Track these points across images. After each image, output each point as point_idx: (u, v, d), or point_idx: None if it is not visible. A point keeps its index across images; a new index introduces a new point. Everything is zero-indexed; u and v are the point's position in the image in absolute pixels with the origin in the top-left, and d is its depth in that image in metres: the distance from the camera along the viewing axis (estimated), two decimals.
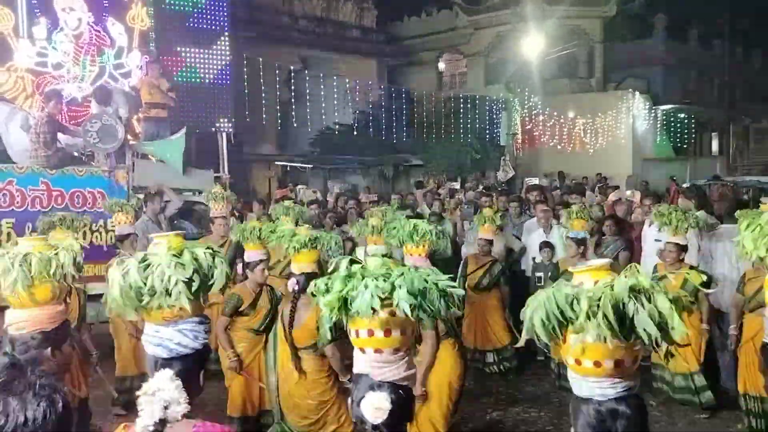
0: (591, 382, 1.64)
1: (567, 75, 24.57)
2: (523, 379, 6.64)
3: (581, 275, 1.72)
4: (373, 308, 1.77)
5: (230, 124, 11.41)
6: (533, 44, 20.79)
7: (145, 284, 1.92)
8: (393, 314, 1.78)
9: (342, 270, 1.87)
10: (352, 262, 1.90)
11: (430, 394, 4.03)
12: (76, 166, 8.34)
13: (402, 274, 1.82)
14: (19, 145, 8.40)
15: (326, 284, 1.86)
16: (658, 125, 24.62)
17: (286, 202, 7.20)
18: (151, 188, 8.35)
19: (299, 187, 13.27)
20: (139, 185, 8.72)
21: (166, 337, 1.97)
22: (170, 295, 1.92)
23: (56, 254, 2.50)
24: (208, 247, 2.08)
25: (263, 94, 15.08)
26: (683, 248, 5.55)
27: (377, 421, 1.75)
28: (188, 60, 11.09)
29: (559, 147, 22.49)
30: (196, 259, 1.99)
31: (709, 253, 6.38)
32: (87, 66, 9.88)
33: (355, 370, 1.88)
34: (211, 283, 2.04)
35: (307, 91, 17.22)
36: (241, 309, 4.73)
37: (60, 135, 8.42)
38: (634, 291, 1.59)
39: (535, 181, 16.44)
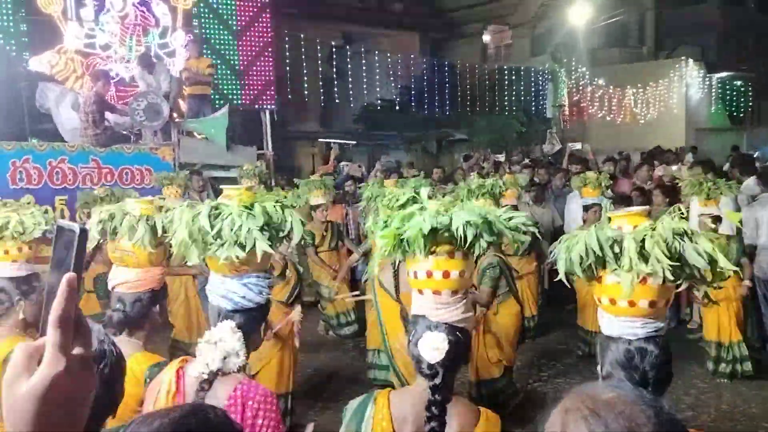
0: (623, 321, 1.70)
1: (616, 44, 23.79)
2: (561, 351, 6.65)
3: (619, 220, 1.76)
4: (430, 245, 1.75)
5: (273, 102, 11.50)
6: (580, 13, 20.19)
7: (212, 230, 1.93)
8: (451, 255, 1.78)
9: (406, 209, 1.86)
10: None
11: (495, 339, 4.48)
12: (125, 144, 8.60)
13: (462, 207, 1.82)
14: (69, 124, 8.69)
15: (386, 221, 1.87)
16: (713, 94, 23.67)
17: (314, 176, 7.24)
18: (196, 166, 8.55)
19: (343, 163, 13.30)
20: (185, 162, 8.93)
21: (231, 289, 1.99)
22: (240, 246, 1.91)
23: (170, 218, 2.58)
24: (277, 201, 2.08)
25: (305, 71, 15.12)
26: (717, 218, 5.48)
27: (434, 360, 1.78)
28: (230, 38, 11.19)
29: (608, 118, 21.89)
30: (266, 212, 1.98)
31: (755, 222, 6.24)
32: (134, 46, 10.11)
33: (414, 311, 1.89)
34: (282, 236, 2.03)
35: (349, 67, 17.17)
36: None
37: (108, 114, 8.67)
38: (677, 233, 1.64)
39: (577, 147, 16.08)
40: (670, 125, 21.25)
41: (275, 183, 9.64)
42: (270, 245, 1.96)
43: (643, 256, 1.60)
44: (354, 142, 19.25)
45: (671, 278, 1.61)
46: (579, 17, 20.25)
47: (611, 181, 7.06)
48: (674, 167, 11.02)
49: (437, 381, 1.76)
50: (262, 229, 1.93)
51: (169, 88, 9.41)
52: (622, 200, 7.08)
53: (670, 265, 1.59)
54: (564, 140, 20.08)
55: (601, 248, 1.64)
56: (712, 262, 1.62)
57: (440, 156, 20.45)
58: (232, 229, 1.91)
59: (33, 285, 2.73)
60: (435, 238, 1.75)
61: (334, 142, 16.09)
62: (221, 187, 2.20)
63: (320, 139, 18.62)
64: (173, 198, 6.37)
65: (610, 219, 1.80)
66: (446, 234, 1.75)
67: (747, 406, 5.24)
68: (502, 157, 17.20)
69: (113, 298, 2.52)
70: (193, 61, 9.75)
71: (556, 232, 7.61)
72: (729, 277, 1.66)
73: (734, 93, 24.11)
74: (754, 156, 13.06)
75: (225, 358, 1.88)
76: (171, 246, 2.55)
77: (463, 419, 1.78)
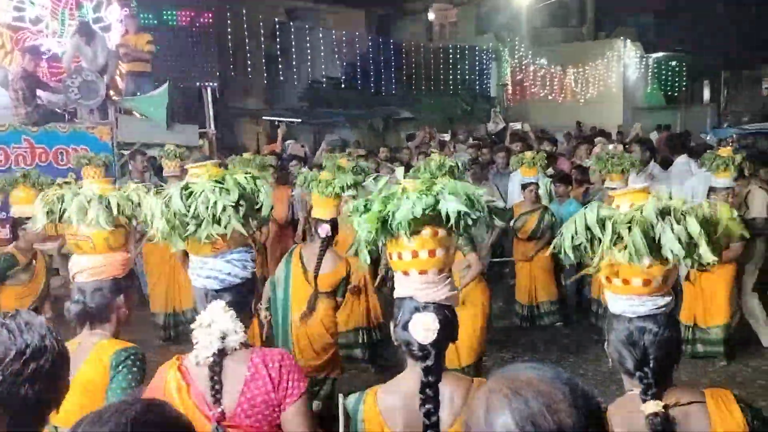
0: (623, 299, 1.74)
1: (558, 24, 24.22)
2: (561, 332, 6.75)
3: (620, 198, 1.79)
4: (415, 226, 1.74)
5: (215, 79, 11.25)
6: None
7: (188, 212, 1.86)
8: (436, 233, 1.77)
9: (381, 190, 1.84)
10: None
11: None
12: (59, 123, 8.27)
13: (444, 185, 1.80)
14: None
15: (365, 204, 1.83)
16: (650, 74, 24.43)
17: (246, 155, 7.07)
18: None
19: (288, 142, 13.15)
20: (124, 141, 8.66)
21: (215, 268, 1.94)
22: (218, 222, 1.86)
23: (130, 198, 2.41)
24: (247, 172, 2.01)
25: (248, 48, 14.82)
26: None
27: (427, 341, 1.76)
28: (169, 13, 10.85)
29: (549, 97, 22.34)
30: (239, 183, 1.92)
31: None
32: (66, 20, 9.68)
33: (398, 294, 1.87)
34: (258, 207, 1.98)
35: (294, 43, 16.92)
36: None
37: (41, 92, 8.31)
38: (663, 213, 1.66)
39: (518, 127, 16.40)
40: (608, 104, 21.85)
41: (219, 162, 9.46)
42: (246, 219, 1.93)
43: (622, 239, 1.64)
44: (299, 120, 19.04)
45: (650, 261, 1.64)
46: None
47: (546, 161, 7.24)
48: (611, 146, 11.37)
49: (429, 362, 1.75)
50: (237, 203, 1.89)
51: (105, 62, 9.05)
52: (561, 179, 7.31)
53: (648, 248, 1.62)
54: (507, 119, 20.39)
55: (588, 228, 1.68)
56: (691, 247, 1.63)
57: (386, 134, 20.46)
58: (207, 207, 1.85)
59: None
60: (420, 218, 1.75)
61: (279, 120, 15.87)
62: (187, 166, 2.13)
63: (264, 117, 18.34)
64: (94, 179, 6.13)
65: (612, 198, 1.82)
66: (431, 213, 1.75)
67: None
68: (447, 136, 17.33)
69: (73, 288, 2.37)
70: (131, 36, 9.41)
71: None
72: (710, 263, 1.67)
73: (670, 73, 24.94)
74: (697, 136, 13.69)
75: (223, 337, 1.85)
76: (136, 228, 2.47)
77: (456, 394, 1.79)
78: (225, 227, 1.87)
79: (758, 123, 17.56)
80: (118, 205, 2.35)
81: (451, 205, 1.74)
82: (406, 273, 1.82)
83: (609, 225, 1.66)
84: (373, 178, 2.02)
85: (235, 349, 1.88)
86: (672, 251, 1.63)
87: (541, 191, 7.10)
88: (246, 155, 7.28)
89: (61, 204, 2.37)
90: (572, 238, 1.71)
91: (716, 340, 5.62)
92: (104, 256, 2.35)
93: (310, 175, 4.39)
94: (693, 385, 1.77)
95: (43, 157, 7.90)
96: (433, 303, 1.80)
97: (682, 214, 1.66)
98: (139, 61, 9.42)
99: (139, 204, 2.38)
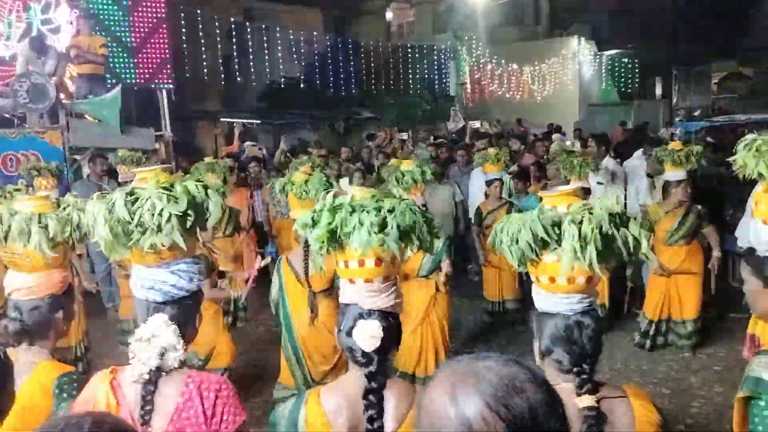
0: (562, 297, 1.75)
1: (513, 22, 24.53)
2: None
3: (552, 200, 1.82)
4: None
5: (170, 80, 11.04)
6: None
7: (132, 219, 1.78)
8: (383, 243, 1.78)
9: (328, 203, 1.83)
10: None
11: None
12: (8, 129, 8.02)
13: (392, 208, 1.81)
14: None
15: (313, 218, 1.83)
16: (604, 71, 24.94)
17: (208, 159, 6.95)
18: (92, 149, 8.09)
19: (246, 143, 13.01)
20: (76, 146, 8.43)
21: (159, 279, 1.85)
22: (162, 231, 1.78)
23: (69, 215, 2.34)
24: (198, 180, 1.94)
25: (203, 48, 14.59)
26: (587, 191, 6.12)
27: (371, 348, 1.76)
28: (121, 14, 10.60)
29: (507, 95, 22.61)
30: (188, 192, 1.84)
31: None
32: (13, 23, 9.38)
33: (342, 300, 1.87)
34: (206, 218, 1.91)
35: (250, 44, 16.73)
36: None
37: None
38: (612, 216, 1.71)
39: (477, 125, 16.57)
40: (565, 102, 22.25)
41: (176, 166, 9.30)
42: (193, 230, 1.87)
43: (582, 239, 1.67)
44: (258, 121, 18.85)
45: (601, 261, 1.69)
46: None
47: (509, 157, 7.33)
48: (568, 142, 11.58)
49: (372, 368, 1.76)
50: (186, 212, 1.81)
51: (54, 68, 8.81)
52: (520, 175, 7.40)
53: (602, 250, 1.67)
54: (467, 117, 20.55)
55: (546, 231, 1.69)
56: (635, 248, 1.71)
57: (348, 135, 20.41)
58: (153, 215, 1.77)
59: None
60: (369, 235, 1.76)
61: (236, 122, 15.69)
62: (134, 170, 2.05)
63: (222, 119, 18.09)
64: (47, 191, 5.95)
65: (542, 199, 1.86)
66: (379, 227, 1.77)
67: (651, 370, 5.60)
68: (405, 136, 17.39)
69: (9, 305, 2.29)
70: (85, 38, 9.17)
71: (456, 206, 7.92)
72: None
73: (623, 70, 25.52)
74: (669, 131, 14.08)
75: (162, 354, 1.77)
76: (73, 244, 2.38)
77: (401, 401, 1.79)
78: (168, 237, 1.80)
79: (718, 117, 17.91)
80: (56, 228, 2.27)
81: (392, 241, 1.76)
82: (352, 281, 1.83)
83: (567, 224, 1.70)
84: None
85: (173, 369, 1.80)
86: (621, 250, 1.70)
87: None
88: (208, 159, 7.14)
89: (0, 225, 2.28)
90: (516, 240, 1.73)
91: (686, 334, 5.80)
92: (42, 274, 2.29)
93: (285, 179, 4.37)
94: (612, 383, 1.80)
95: None
96: (378, 310, 1.81)
97: (624, 217, 1.74)
98: (92, 63, 9.18)
99: (78, 223, 2.32)
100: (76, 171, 8.33)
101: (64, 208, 2.37)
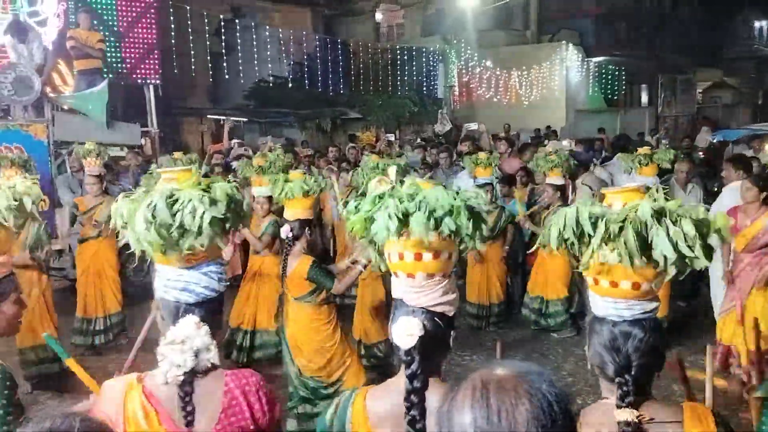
0: (608, 302, 1.66)
1: (502, 27, 24.64)
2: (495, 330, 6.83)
3: (613, 197, 1.71)
4: (401, 227, 1.66)
5: (157, 76, 10.97)
6: None
7: (174, 222, 1.74)
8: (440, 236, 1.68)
9: (372, 190, 1.75)
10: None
11: None
12: None
13: (426, 194, 1.69)
14: None
15: (356, 206, 1.76)
16: (591, 77, 25.13)
17: (176, 154, 6.90)
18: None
19: (234, 141, 12.95)
20: (60, 140, 8.36)
21: (192, 280, 1.83)
22: (203, 233, 1.75)
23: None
24: (229, 181, 1.91)
25: (191, 45, 14.50)
26: (558, 188, 6.39)
27: (405, 346, 1.66)
28: (109, 8, 10.53)
29: (495, 99, 22.70)
30: (226, 194, 1.81)
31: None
32: None
33: (394, 294, 1.79)
34: (242, 218, 1.89)
35: (239, 41, 16.66)
36: None
37: None
38: (659, 214, 1.59)
39: (474, 127, 16.60)
40: (552, 107, 22.37)
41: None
42: (228, 232, 1.86)
43: (611, 237, 1.58)
44: (245, 119, 18.76)
45: (641, 264, 1.59)
46: None
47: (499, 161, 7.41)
48: (565, 142, 11.63)
49: (414, 368, 1.66)
50: (225, 218, 1.80)
51: (42, 59, 8.73)
52: (505, 180, 7.43)
53: (641, 251, 1.56)
54: (455, 120, 20.61)
55: (578, 225, 1.61)
56: (683, 251, 1.57)
57: (334, 134, 20.38)
58: (194, 218, 1.74)
59: None
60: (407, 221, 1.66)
61: (226, 119, 15.62)
62: (158, 171, 2.01)
63: (209, 116, 18.00)
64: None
65: (603, 196, 1.76)
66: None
67: None
68: (392, 137, 17.41)
69: None
70: (82, 31, 9.13)
71: None
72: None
73: (609, 76, 25.72)
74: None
75: (196, 355, 1.74)
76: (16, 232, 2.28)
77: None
78: (208, 239, 1.77)
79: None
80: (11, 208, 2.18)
81: (417, 224, 1.65)
82: (395, 274, 1.75)
83: (601, 223, 1.60)
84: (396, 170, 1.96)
85: (207, 368, 1.78)
86: (665, 255, 1.57)
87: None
88: (177, 154, 7.10)
89: None
90: (560, 231, 1.65)
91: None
92: None
93: (281, 178, 4.38)
94: (671, 401, 1.70)
95: None
96: (422, 308, 1.71)
97: (677, 216, 1.60)
98: (89, 58, 9.15)
99: (19, 202, 2.24)
100: (59, 165, 8.25)
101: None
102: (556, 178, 6.45)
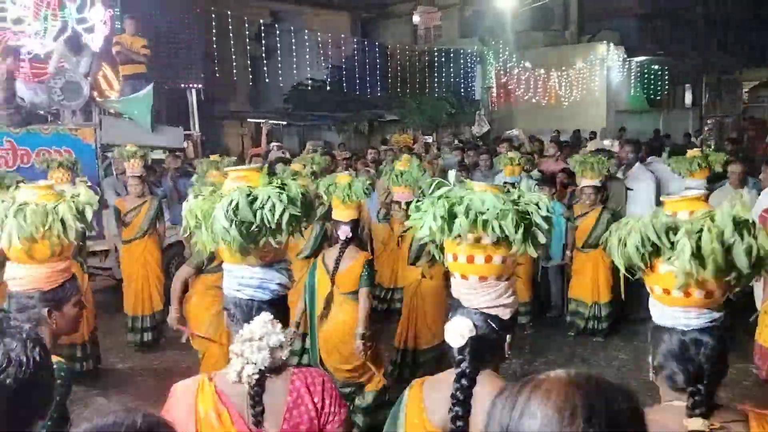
0: (677, 311, 1.62)
1: (541, 27, 24.37)
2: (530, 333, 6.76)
3: (674, 204, 1.67)
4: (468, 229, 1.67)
5: (200, 81, 11.18)
6: None
7: (255, 220, 1.76)
8: (479, 240, 1.69)
9: (438, 192, 1.77)
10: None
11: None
12: (42, 125, 8.18)
13: (473, 196, 1.70)
14: None
15: (420, 206, 1.78)
16: (632, 77, 24.66)
17: (213, 157, 7.01)
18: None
19: (273, 144, 13.12)
20: (108, 143, 8.58)
21: (267, 278, 1.84)
22: (282, 231, 1.78)
23: (55, 207, 2.22)
24: (294, 178, 1.96)
25: (232, 49, 14.75)
26: (598, 189, 6.37)
27: (455, 344, 1.68)
28: (154, 15, 10.78)
29: (533, 101, 22.47)
30: (301, 192, 1.84)
31: None
32: (48, 20, 9.57)
33: (453, 294, 1.81)
34: (313, 214, 1.94)
35: (278, 45, 16.88)
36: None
37: (24, 93, 8.22)
38: (737, 223, 1.54)
39: (515, 133, 16.41)
40: (591, 107, 22.02)
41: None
42: (303, 226, 1.88)
43: (699, 251, 1.53)
44: (284, 123, 18.99)
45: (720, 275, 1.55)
46: (505, 0, 20.57)
47: (532, 163, 7.38)
48: (606, 141, 11.41)
49: (463, 367, 1.68)
50: (302, 216, 1.82)
51: (89, 67, 9.00)
52: (542, 181, 7.35)
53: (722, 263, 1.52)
54: (492, 122, 20.48)
55: (659, 237, 1.56)
56: (760, 261, 1.53)
57: (371, 137, 20.47)
58: (274, 215, 1.77)
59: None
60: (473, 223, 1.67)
61: (265, 122, 15.85)
62: (226, 169, 2.02)
63: (249, 119, 18.27)
64: (61, 184, 5.98)
65: (664, 203, 1.71)
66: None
67: None
68: (430, 139, 17.38)
69: (7, 295, 2.21)
70: (128, 37, 9.39)
71: None
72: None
73: (652, 77, 25.20)
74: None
75: (271, 353, 1.75)
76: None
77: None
78: (285, 236, 1.80)
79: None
80: (35, 222, 2.15)
81: (460, 226, 1.66)
82: (453, 275, 1.78)
83: (682, 234, 1.55)
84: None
85: (277, 366, 1.78)
86: (741, 264, 1.52)
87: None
88: (213, 157, 7.21)
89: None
90: (640, 243, 1.59)
91: None
92: (26, 268, 2.19)
93: (328, 179, 4.47)
94: (733, 406, 1.65)
95: (25, 158, 7.79)
96: (476, 309, 1.72)
97: (752, 225, 1.56)
98: (134, 63, 9.40)
99: (82, 212, 2.23)
100: (106, 168, 8.47)
101: (68, 200, 2.27)
102: (592, 181, 6.36)
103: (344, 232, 4.23)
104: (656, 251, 1.59)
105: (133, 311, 6.44)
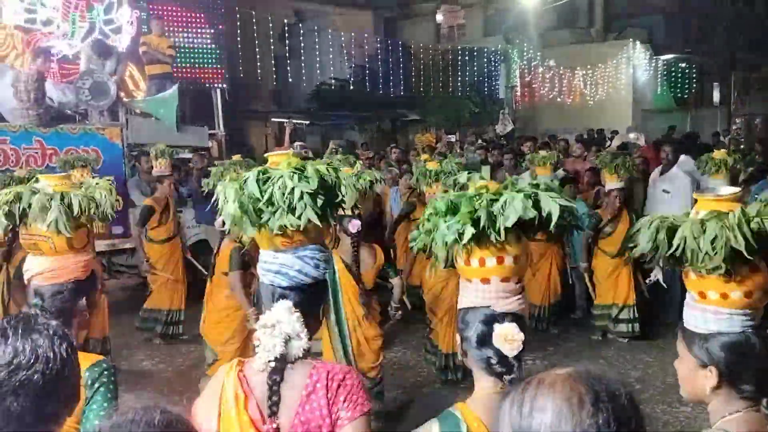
0: (719, 314, 1.58)
1: (566, 25, 24.11)
2: (556, 334, 6.78)
3: (707, 204, 1.64)
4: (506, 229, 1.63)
5: (224, 80, 11.28)
6: None
7: (262, 196, 1.73)
8: (519, 238, 1.66)
9: (470, 189, 1.72)
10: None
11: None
12: (70, 125, 8.31)
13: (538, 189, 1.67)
14: (10, 103, 8.33)
15: (450, 205, 1.71)
16: (659, 76, 24.29)
17: (235, 157, 7.08)
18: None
19: (296, 143, 13.16)
20: (134, 143, 8.70)
21: (286, 263, 1.79)
22: (293, 212, 1.73)
23: (93, 197, 2.24)
24: (329, 163, 1.88)
25: (257, 49, 14.85)
26: (623, 191, 6.37)
27: (515, 352, 1.60)
28: (180, 15, 10.89)
29: (558, 99, 22.26)
30: (319, 172, 1.78)
31: None
32: (77, 22, 9.71)
33: (465, 304, 1.71)
34: (338, 201, 1.84)
35: (302, 45, 16.95)
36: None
37: (52, 93, 8.35)
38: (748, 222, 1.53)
39: (633, 137, 16.16)
40: (617, 106, 21.74)
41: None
42: (325, 212, 1.79)
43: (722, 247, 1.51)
44: (307, 122, 19.06)
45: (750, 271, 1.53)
46: None
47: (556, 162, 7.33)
48: (632, 135, 11.27)
49: (514, 375, 1.60)
50: (316, 194, 1.75)
51: (115, 67, 9.13)
52: (567, 179, 7.28)
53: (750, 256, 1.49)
54: (516, 121, 20.33)
55: (697, 240, 1.53)
56: None
57: (394, 136, 20.46)
58: (284, 194, 1.73)
59: None
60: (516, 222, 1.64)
61: (289, 122, 15.93)
62: (267, 154, 1.97)
63: (273, 119, 18.37)
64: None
65: (696, 201, 1.68)
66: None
67: None
68: (453, 138, 17.31)
69: (29, 291, 2.17)
70: (154, 37, 9.51)
71: None
72: None
73: (679, 75, 24.80)
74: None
75: (287, 341, 1.70)
76: (91, 226, 2.32)
77: None
78: (299, 218, 1.73)
79: None
80: (80, 205, 2.17)
81: (554, 208, 1.62)
82: (486, 280, 1.67)
83: (711, 231, 1.54)
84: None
85: (299, 358, 1.73)
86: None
87: None
88: (236, 157, 7.32)
89: (19, 203, 2.19)
90: (681, 246, 1.56)
91: None
92: (65, 257, 2.17)
93: (420, 170, 4.53)
94: None
95: (53, 158, 7.92)
96: (511, 313, 1.67)
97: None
98: (160, 63, 9.53)
99: (97, 204, 2.25)
100: (132, 167, 8.59)
101: (87, 189, 2.29)
102: (614, 183, 6.29)
103: (354, 226, 4.11)
104: (691, 256, 1.56)
105: (170, 305, 6.67)
